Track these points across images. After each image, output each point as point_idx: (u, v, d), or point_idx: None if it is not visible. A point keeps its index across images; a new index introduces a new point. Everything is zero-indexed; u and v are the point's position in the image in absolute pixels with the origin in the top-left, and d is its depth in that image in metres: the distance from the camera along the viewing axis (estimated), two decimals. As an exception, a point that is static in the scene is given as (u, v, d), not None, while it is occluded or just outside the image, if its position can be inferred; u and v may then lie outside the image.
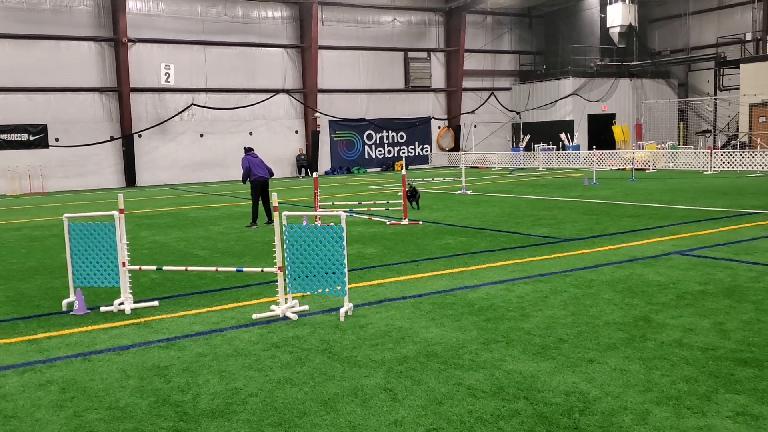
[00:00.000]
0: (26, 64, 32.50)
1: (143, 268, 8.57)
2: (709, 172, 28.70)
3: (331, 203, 18.70)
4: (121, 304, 7.77)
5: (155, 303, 8.01)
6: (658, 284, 8.11)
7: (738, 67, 37.59)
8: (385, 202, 17.42)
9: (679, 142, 39.06)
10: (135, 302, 7.95)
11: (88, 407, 4.92)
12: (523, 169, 37.17)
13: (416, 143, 43.79)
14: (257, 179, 15.46)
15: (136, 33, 34.36)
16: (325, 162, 40.51)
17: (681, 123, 41.29)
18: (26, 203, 25.91)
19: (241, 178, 16.53)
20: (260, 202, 15.77)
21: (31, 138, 32.96)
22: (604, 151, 35.34)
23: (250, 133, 38.11)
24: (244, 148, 16.16)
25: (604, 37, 42.68)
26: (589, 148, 39.12)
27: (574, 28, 43.47)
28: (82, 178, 34.35)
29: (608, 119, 42.15)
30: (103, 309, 7.80)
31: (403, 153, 43.01)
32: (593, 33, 43.05)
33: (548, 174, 31.96)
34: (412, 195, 17.24)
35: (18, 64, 32.32)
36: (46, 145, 33.27)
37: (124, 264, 7.89)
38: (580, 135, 41.49)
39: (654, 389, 4.84)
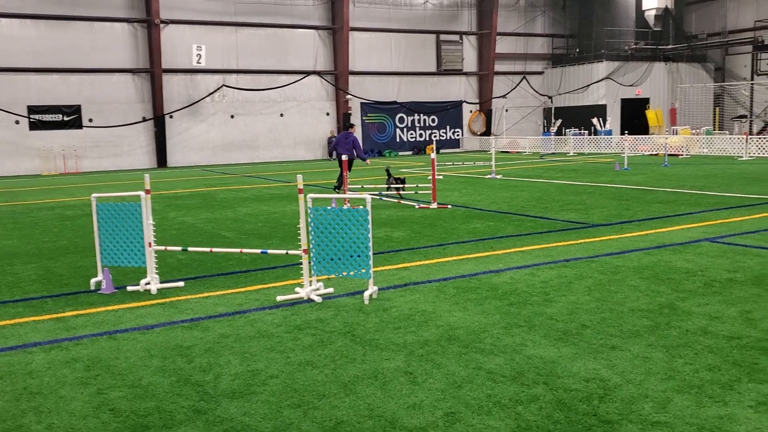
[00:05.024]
0: (60, 45, 32.92)
1: (169, 248, 8.67)
2: (744, 159, 28.17)
3: (360, 186, 18.72)
4: (148, 284, 7.88)
5: (181, 284, 8.10)
6: (686, 271, 8.00)
7: (776, 51, 36.76)
8: (415, 185, 17.39)
9: (714, 128, 38.38)
10: (161, 282, 8.04)
11: (112, 385, 5.00)
12: (554, 154, 36.81)
13: (448, 127, 43.58)
14: (341, 155, 17.13)
15: (169, 14, 34.57)
16: (355, 145, 40.47)
17: (717, 108, 40.54)
18: (61, 183, 26.34)
19: None
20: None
21: (66, 118, 33.44)
22: (636, 136, 34.85)
23: (281, 115, 38.27)
24: (345, 124, 18.46)
25: (639, 20, 41.96)
26: (622, 132, 38.62)
27: (608, 11, 42.76)
28: (116, 159, 34.80)
29: (642, 104, 41.53)
30: (129, 288, 7.91)
31: (435, 137, 42.82)
32: (628, 16, 42.33)
33: (579, 159, 31.62)
34: (398, 181, 16.81)
35: (52, 45, 32.75)
36: (80, 126, 33.74)
37: (150, 244, 7.99)
38: (613, 120, 40.94)
39: (676, 377, 4.79)
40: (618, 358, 5.20)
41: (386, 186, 17.14)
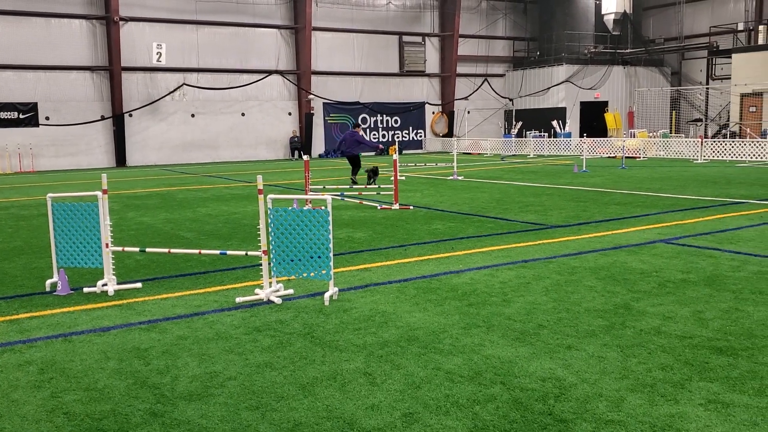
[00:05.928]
0: (16, 41, 32.21)
1: (126, 249, 8.56)
2: (699, 161, 28.78)
3: (322, 187, 18.67)
4: (104, 285, 7.76)
5: (138, 285, 8.00)
6: (641, 272, 8.15)
7: (730, 57, 37.63)
8: (377, 186, 17.43)
9: (670, 131, 39.12)
10: (118, 284, 7.94)
11: (66, 388, 4.92)
12: (514, 155, 37.17)
13: (410, 128, 43.70)
14: (346, 153, 19.93)
15: (128, 11, 34.08)
16: (318, 145, 40.40)
17: (673, 111, 41.33)
18: (16, 182, 25.79)
19: None
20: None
21: (21, 116, 32.72)
22: (595, 139, 35.38)
23: (242, 114, 37.99)
24: (354, 123, 22.07)
25: (598, 24, 42.60)
26: (581, 135, 39.16)
27: (568, 15, 43.33)
28: (73, 158, 34.19)
29: (601, 107, 42.15)
30: (86, 290, 7.79)
31: (398, 137, 42.90)
32: (588, 20, 42.95)
33: (539, 161, 31.99)
34: (373, 173, 18.90)
35: (7, 41, 32.03)
36: (36, 124, 33.05)
37: (107, 245, 7.88)
38: (572, 122, 41.48)
39: (630, 377, 4.88)
40: (574, 358, 5.28)
41: (368, 178, 18.91)
